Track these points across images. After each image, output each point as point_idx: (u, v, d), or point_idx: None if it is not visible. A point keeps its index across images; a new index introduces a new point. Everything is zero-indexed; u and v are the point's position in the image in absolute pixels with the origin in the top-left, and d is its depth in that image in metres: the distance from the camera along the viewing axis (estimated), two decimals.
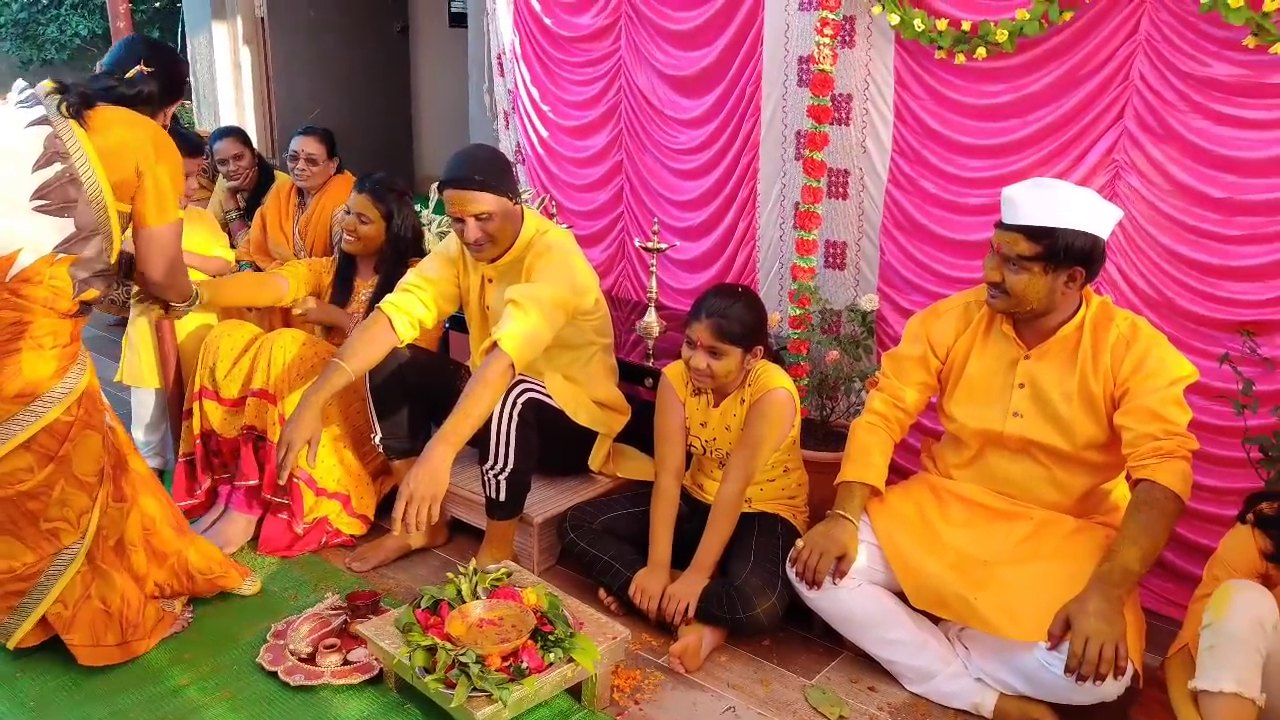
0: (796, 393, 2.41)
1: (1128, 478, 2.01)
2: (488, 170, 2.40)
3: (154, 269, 2.12)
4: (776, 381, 2.36)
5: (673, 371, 2.48)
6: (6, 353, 1.90)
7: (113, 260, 2.06)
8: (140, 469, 2.24)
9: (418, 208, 3.50)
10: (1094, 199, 2.00)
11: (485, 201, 2.39)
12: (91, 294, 2.02)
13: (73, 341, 2.01)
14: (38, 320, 1.92)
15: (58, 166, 1.93)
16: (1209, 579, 1.91)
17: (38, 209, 1.92)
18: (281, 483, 2.54)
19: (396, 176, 3.03)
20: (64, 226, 1.94)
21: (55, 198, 1.93)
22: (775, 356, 2.51)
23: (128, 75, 2.10)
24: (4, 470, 1.92)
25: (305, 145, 3.42)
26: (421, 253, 2.93)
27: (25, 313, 1.91)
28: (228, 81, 5.98)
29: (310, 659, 2.17)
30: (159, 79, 2.14)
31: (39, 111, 1.96)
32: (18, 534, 1.99)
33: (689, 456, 2.53)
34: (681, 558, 2.38)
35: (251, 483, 2.69)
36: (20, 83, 2.05)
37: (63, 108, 1.95)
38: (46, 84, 1.99)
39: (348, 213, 2.92)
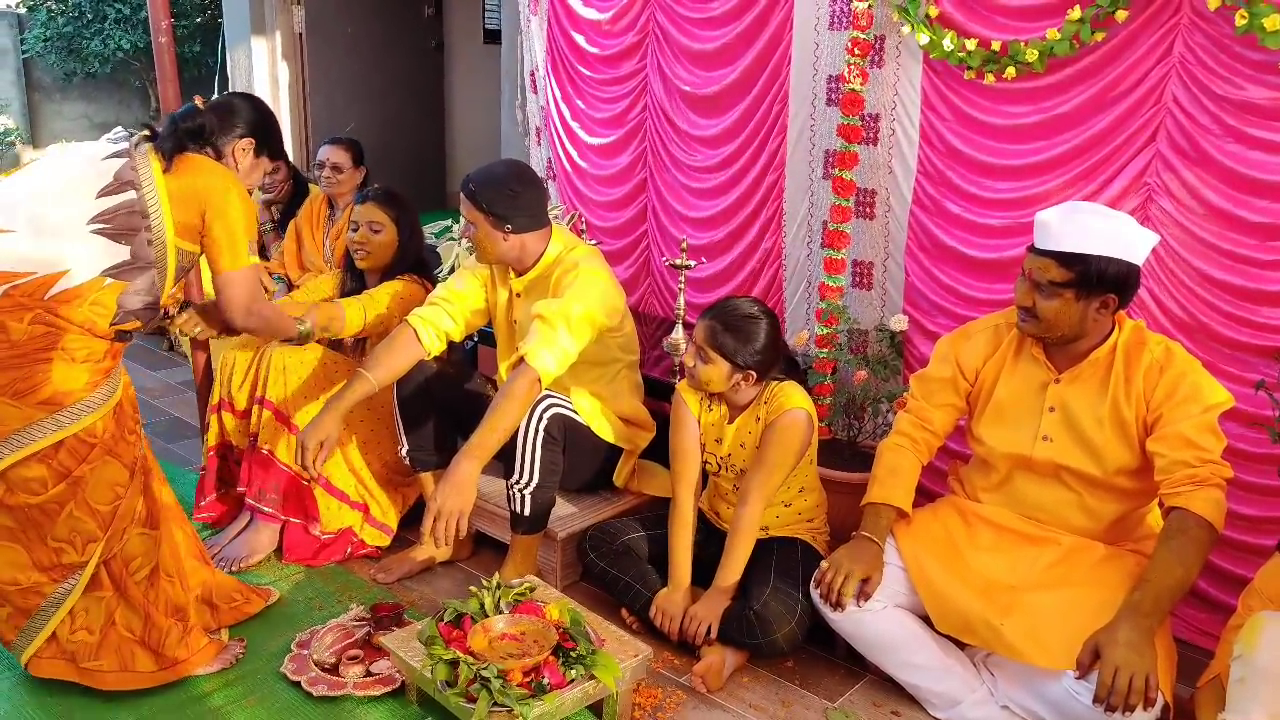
0: (815, 413, 2.38)
1: (1160, 505, 1.98)
2: (484, 184, 2.45)
3: (233, 312, 2.17)
4: (794, 402, 2.33)
5: (686, 390, 2.48)
6: (37, 361, 1.91)
7: (163, 298, 2.07)
8: (166, 498, 2.22)
9: (448, 222, 3.54)
10: (1129, 225, 1.98)
11: (470, 211, 2.47)
12: (132, 325, 2.03)
13: (105, 359, 2.00)
14: (69, 335, 1.93)
15: (129, 195, 1.97)
16: (1243, 609, 1.87)
17: (96, 231, 1.95)
18: (306, 482, 2.61)
19: (394, 187, 3.00)
20: (118, 252, 1.97)
21: (118, 224, 1.96)
22: (801, 376, 2.48)
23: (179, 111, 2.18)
24: (17, 477, 1.92)
25: (332, 154, 3.52)
26: (423, 270, 2.91)
27: (57, 329, 1.92)
28: (265, 96, 6.07)
29: (333, 669, 2.18)
30: (217, 114, 2.19)
31: (121, 147, 2.03)
32: (26, 544, 1.97)
33: (705, 476, 2.52)
34: (701, 582, 2.37)
35: (241, 489, 2.72)
36: (118, 128, 2.12)
37: (153, 151, 2.01)
38: (142, 133, 2.07)
39: (354, 228, 2.83)
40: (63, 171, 2.03)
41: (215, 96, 2.34)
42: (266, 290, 2.65)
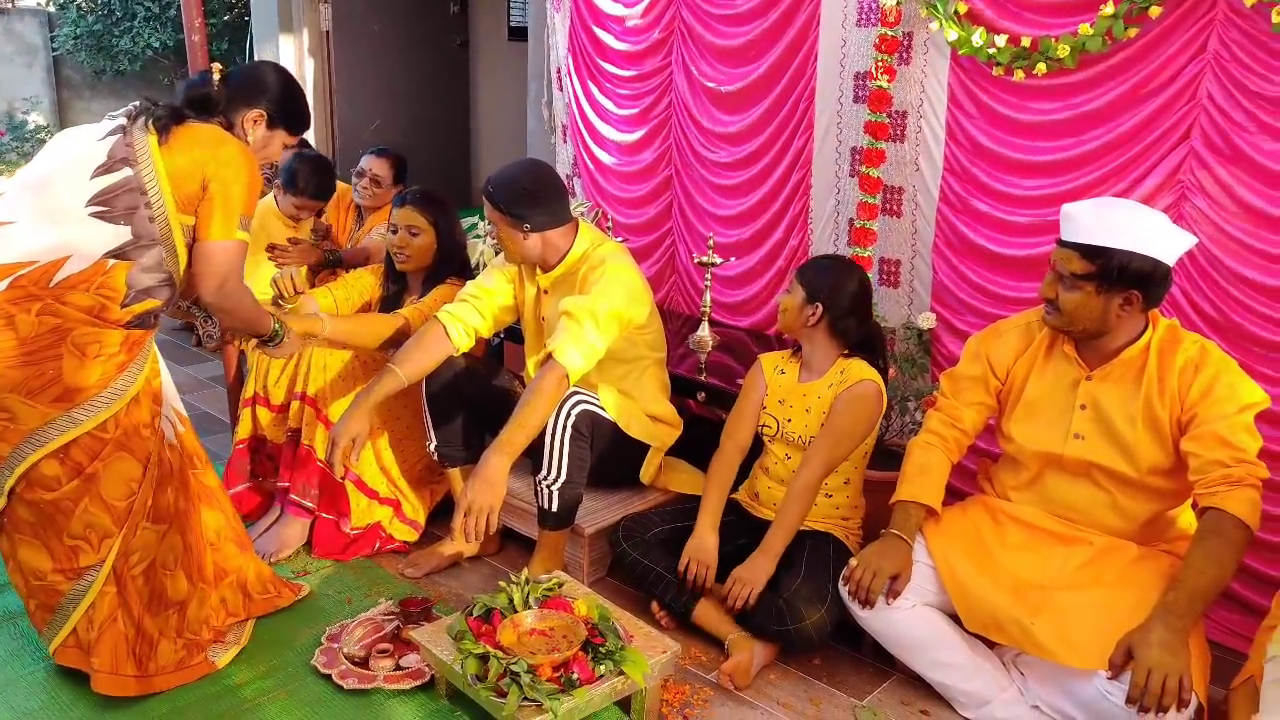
0: (885, 389, 2.39)
1: (1194, 505, 1.96)
2: (500, 185, 2.48)
3: (204, 286, 2.01)
4: (867, 374, 2.36)
5: (766, 358, 2.54)
6: (46, 358, 1.89)
7: (178, 275, 2.01)
8: (209, 481, 2.22)
9: (475, 220, 3.55)
10: (1161, 222, 1.96)
11: (490, 212, 2.51)
12: (150, 304, 1.98)
13: (120, 352, 1.96)
14: (78, 328, 1.90)
15: (124, 173, 1.92)
16: (1278, 610, 1.86)
17: (94, 214, 1.91)
18: (338, 478, 2.62)
19: (434, 189, 2.96)
20: (119, 233, 1.92)
21: (116, 204, 1.92)
22: (881, 363, 2.44)
23: (193, 78, 2.13)
24: (35, 474, 1.92)
25: (373, 165, 3.49)
26: (466, 272, 2.90)
27: (65, 319, 1.89)
28: None
29: (363, 663, 2.20)
30: (234, 84, 2.10)
31: (119, 123, 1.99)
32: (45, 540, 1.97)
33: (751, 457, 2.52)
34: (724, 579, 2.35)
35: (283, 484, 2.75)
36: (129, 106, 2.05)
37: (149, 122, 1.95)
38: (141, 106, 1.99)
39: (394, 231, 2.78)
40: (61, 156, 1.99)
41: (236, 66, 2.23)
42: (284, 298, 2.51)
